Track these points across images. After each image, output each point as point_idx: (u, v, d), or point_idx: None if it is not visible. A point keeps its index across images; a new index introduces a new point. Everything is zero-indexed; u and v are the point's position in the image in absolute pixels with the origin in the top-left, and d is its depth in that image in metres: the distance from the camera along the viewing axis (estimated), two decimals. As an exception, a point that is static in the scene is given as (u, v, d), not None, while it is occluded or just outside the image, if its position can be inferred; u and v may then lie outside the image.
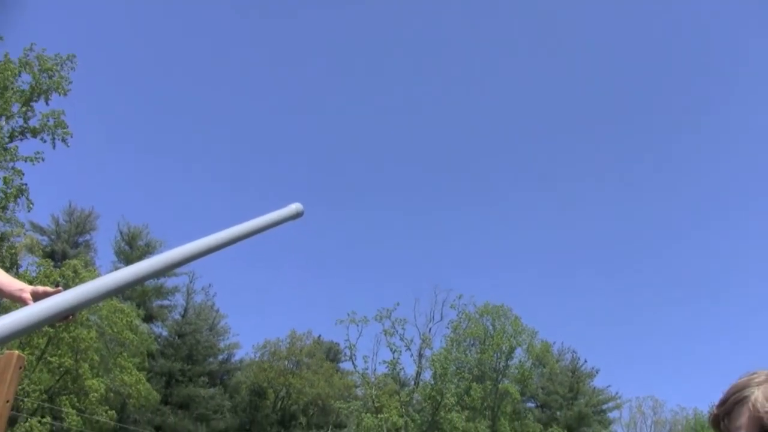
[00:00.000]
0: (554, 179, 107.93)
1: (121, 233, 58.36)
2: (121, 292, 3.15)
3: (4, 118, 32.48)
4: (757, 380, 1.85)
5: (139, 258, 54.86)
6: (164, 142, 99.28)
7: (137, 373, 42.61)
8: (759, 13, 75.99)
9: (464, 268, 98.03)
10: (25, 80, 33.36)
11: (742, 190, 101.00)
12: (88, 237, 58.42)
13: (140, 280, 3.01)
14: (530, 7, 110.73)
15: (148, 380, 47.08)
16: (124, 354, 42.27)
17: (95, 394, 37.27)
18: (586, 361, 71.40)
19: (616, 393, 73.05)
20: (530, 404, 66.92)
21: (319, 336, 70.43)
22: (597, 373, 71.21)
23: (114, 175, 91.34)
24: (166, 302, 60.62)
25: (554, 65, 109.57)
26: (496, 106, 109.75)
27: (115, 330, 39.94)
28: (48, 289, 2.80)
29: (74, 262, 38.28)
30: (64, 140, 33.87)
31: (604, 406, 72.48)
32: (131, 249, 57.65)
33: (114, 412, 40.34)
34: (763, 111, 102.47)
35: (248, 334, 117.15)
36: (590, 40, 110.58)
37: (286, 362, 65.14)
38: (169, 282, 59.22)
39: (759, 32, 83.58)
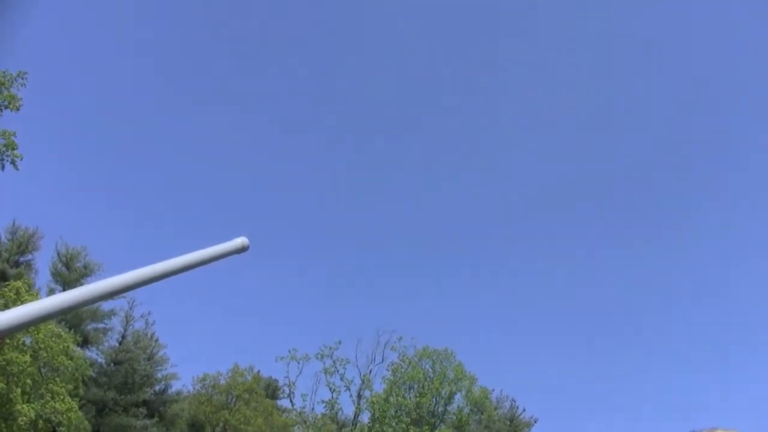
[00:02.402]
0: (495, 232, 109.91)
1: (58, 254, 56.97)
2: (58, 316, 3.20)
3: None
4: None
5: (77, 280, 53.73)
6: (114, 167, 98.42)
7: (70, 400, 41.34)
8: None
9: (406, 310, 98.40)
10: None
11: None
12: (30, 257, 56.93)
13: (80, 305, 3.05)
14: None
15: (80, 408, 45.75)
16: (57, 380, 41.06)
17: (24, 418, 36.11)
18: (524, 410, 71.62)
19: (554, 443, 73.42)
20: (466, 451, 66.70)
21: (259, 371, 69.58)
22: (536, 422, 71.44)
23: (58, 195, 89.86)
24: (101, 325, 59.14)
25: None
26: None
27: (50, 355, 38.86)
28: None
29: (17, 283, 37.33)
30: (13, 163, 32.91)
31: (542, 457, 72.69)
32: (68, 270, 56.32)
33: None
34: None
35: (186, 365, 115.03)
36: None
37: (226, 397, 64.08)
38: (105, 305, 57.65)
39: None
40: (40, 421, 39.94)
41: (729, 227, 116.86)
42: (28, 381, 37.41)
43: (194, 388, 65.78)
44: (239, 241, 4.25)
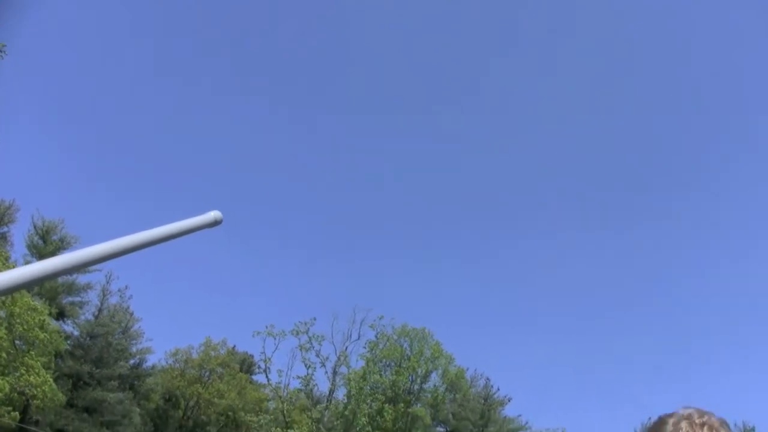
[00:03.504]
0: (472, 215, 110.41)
1: (35, 227, 56.38)
2: (31, 286, 3.18)
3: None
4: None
5: (53, 253, 53.20)
6: (90, 139, 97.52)
7: (45, 373, 41.16)
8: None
9: (383, 288, 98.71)
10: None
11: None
12: (5, 229, 56.25)
13: (53, 276, 3.01)
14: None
15: (55, 381, 45.57)
16: (32, 353, 40.84)
17: (0, 394, 35.99)
18: (498, 389, 72.13)
19: (527, 423, 74.03)
20: (440, 429, 67.14)
21: (234, 346, 69.61)
22: (509, 401, 71.95)
23: (35, 167, 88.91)
24: (77, 299, 58.76)
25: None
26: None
27: (26, 328, 38.61)
28: None
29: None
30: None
31: (515, 436, 73.28)
32: (44, 243, 55.81)
33: (17, 413, 38.99)
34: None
35: (163, 339, 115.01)
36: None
37: (199, 371, 64.12)
38: (81, 278, 57.34)
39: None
40: (15, 394, 39.82)
41: (713, 216, 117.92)
42: (3, 354, 37.19)
43: (167, 362, 65.85)
44: (212, 214, 4.19)
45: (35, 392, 40.28)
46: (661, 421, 2.03)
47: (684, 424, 1.98)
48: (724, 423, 2.03)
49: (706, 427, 1.96)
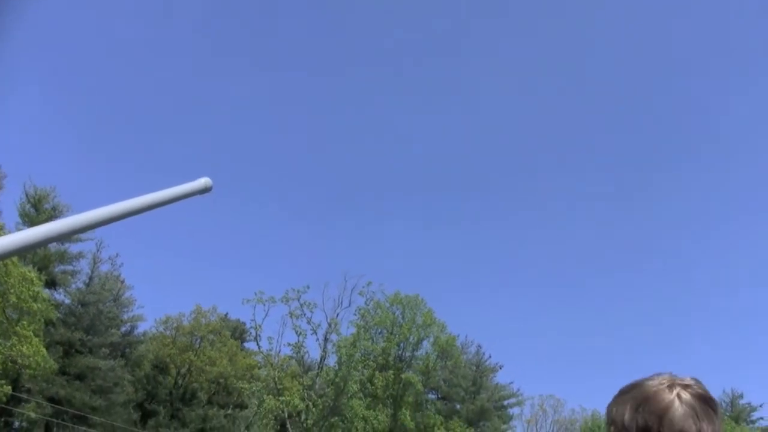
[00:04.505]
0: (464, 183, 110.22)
1: (27, 195, 56.11)
2: (22, 253, 3.16)
3: None
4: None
5: (45, 221, 52.82)
6: (82, 108, 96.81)
7: (37, 342, 41.11)
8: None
9: (376, 256, 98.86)
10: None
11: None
12: (-6, 197, 55.98)
13: (44, 243, 3.05)
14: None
15: (46, 348, 45.55)
16: (24, 323, 40.74)
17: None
18: (490, 356, 72.57)
19: (518, 390, 74.61)
20: (432, 396, 67.57)
21: (226, 314, 69.71)
22: (500, 368, 72.46)
23: (24, 134, 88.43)
24: (69, 267, 58.65)
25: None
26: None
27: (20, 299, 38.50)
28: None
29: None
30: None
31: (506, 402, 73.92)
32: (37, 212, 55.55)
33: (9, 387, 39.06)
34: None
35: (154, 307, 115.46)
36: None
37: (190, 338, 64.26)
38: (73, 247, 57.18)
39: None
40: (8, 363, 39.85)
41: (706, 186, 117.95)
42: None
43: (158, 329, 66.00)
44: (202, 181, 4.21)
45: (28, 362, 40.28)
46: (638, 383, 1.97)
47: (660, 380, 1.94)
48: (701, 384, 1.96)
49: (688, 388, 1.91)
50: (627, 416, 1.87)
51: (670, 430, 1.80)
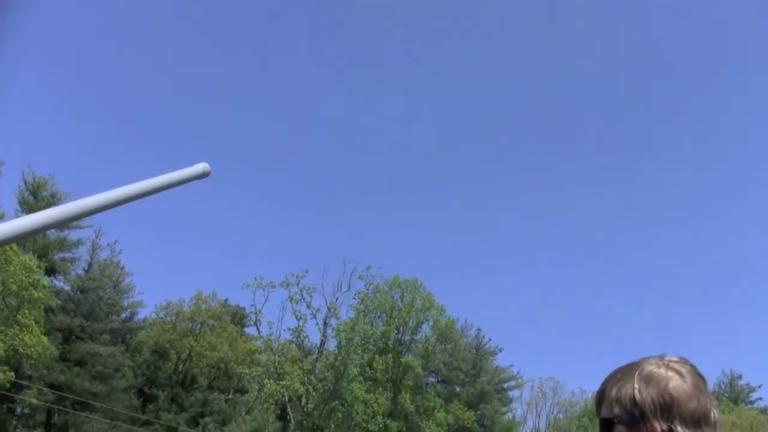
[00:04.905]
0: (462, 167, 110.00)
1: (25, 182, 56.02)
2: (22, 239, 3.17)
3: None
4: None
5: (44, 209, 52.72)
6: (79, 96, 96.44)
7: (38, 329, 41.16)
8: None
9: (375, 241, 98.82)
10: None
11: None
12: (-10, 184, 55.92)
13: (43, 229, 3.03)
14: None
15: (46, 335, 45.60)
16: (25, 311, 40.75)
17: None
18: (490, 339, 72.70)
19: (518, 372, 74.82)
20: (432, 379, 67.74)
21: (226, 299, 69.74)
22: (500, 351, 72.63)
23: (23, 122, 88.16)
24: (68, 255, 58.64)
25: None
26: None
27: (20, 287, 38.51)
28: None
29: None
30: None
31: (506, 385, 74.11)
32: (36, 199, 55.48)
33: (12, 373, 39.14)
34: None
35: (155, 293, 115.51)
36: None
37: (190, 323, 64.32)
38: (72, 234, 57.19)
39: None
40: (11, 352, 39.96)
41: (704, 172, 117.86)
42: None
43: (158, 315, 66.07)
44: (200, 166, 4.19)
45: (30, 352, 40.36)
46: (633, 364, 2.00)
47: (655, 360, 1.97)
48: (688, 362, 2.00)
49: (684, 365, 1.95)
50: (636, 394, 1.88)
51: (683, 404, 1.84)
